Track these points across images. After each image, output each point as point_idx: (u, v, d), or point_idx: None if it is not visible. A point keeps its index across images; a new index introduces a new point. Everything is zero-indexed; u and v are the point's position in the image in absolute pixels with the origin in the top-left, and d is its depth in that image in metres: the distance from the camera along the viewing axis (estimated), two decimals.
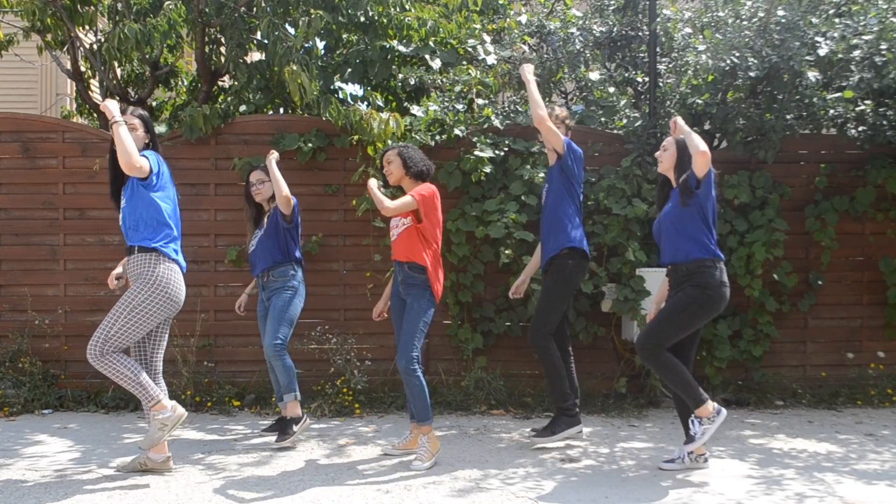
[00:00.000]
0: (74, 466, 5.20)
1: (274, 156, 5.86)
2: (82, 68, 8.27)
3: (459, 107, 7.25)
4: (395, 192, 6.42)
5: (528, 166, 6.88)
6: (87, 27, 7.96)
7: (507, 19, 8.88)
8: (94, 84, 9.31)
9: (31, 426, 6.26)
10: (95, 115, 8.56)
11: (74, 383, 6.97)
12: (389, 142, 6.81)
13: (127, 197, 4.88)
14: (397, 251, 5.39)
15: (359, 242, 7.11)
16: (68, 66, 8.20)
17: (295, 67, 6.54)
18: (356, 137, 6.84)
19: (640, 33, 8.15)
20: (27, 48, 8.77)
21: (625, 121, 7.33)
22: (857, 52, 6.61)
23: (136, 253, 4.84)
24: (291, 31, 7.01)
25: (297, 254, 5.90)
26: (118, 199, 4.99)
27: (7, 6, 7.72)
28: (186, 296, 5.11)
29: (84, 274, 7.07)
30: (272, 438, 5.84)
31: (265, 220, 5.94)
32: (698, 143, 4.93)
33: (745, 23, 6.82)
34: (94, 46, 7.90)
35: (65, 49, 8.15)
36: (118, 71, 8.33)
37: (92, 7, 7.70)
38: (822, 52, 6.51)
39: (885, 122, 6.88)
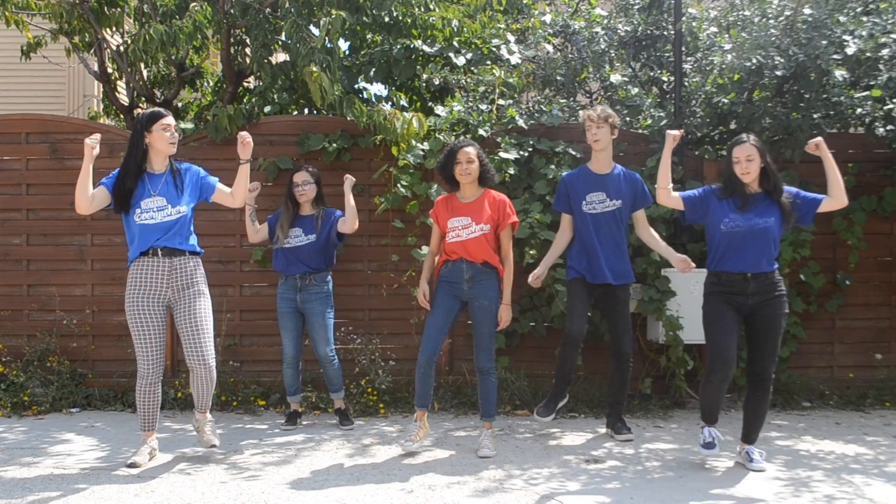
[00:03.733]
0: (101, 464, 5.24)
1: (350, 181, 6.18)
2: (109, 70, 8.34)
3: (483, 107, 7.24)
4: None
5: (553, 166, 6.87)
6: (113, 29, 8.03)
7: (532, 19, 8.87)
8: (121, 85, 9.39)
9: (58, 425, 6.32)
10: (122, 116, 8.63)
11: (101, 382, 7.03)
12: (413, 142, 6.82)
13: (189, 206, 5.27)
14: (468, 252, 5.50)
15: (382, 243, 7.12)
16: (95, 67, 8.27)
17: (315, 68, 6.55)
18: (380, 137, 6.85)
19: (665, 32, 8.11)
20: (55, 50, 8.86)
21: (650, 120, 7.29)
22: (885, 51, 6.53)
23: (187, 255, 5.23)
24: (315, 31, 7.03)
25: (334, 261, 6.39)
26: (126, 201, 5.15)
27: (35, 9, 7.80)
28: (212, 295, 5.46)
29: (111, 274, 7.12)
30: (296, 437, 5.95)
31: (317, 223, 6.20)
32: (843, 192, 5.28)
33: (771, 21, 6.76)
34: (121, 48, 7.96)
35: (92, 51, 8.22)
36: (144, 72, 8.40)
37: (118, 9, 7.77)
38: (850, 50, 6.44)
39: None
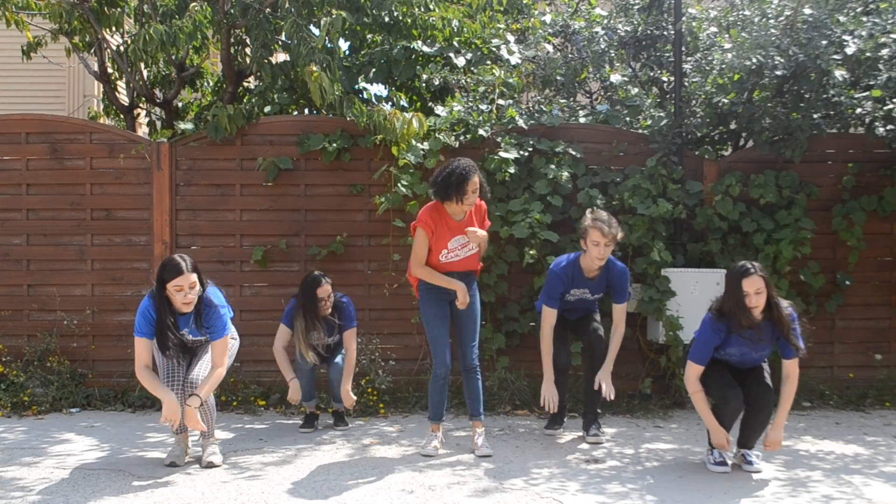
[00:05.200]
0: (101, 464, 5.24)
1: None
2: (109, 70, 8.33)
3: (483, 107, 7.24)
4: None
5: (553, 166, 6.87)
6: (113, 29, 8.02)
7: (532, 19, 8.87)
8: (121, 85, 9.39)
9: (58, 425, 6.32)
10: (122, 116, 8.63)
11: (101, 382, 7.03)
12: (413, 142, 6.82)
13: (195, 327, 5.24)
14: (465, 267, 5.61)
15: (383, 242, 7.12)
16: (95, 67, 8.27)
17: (315, 68, 6.55)
18: (380, 137, 6.85)
19: (665, 32, 8.10)
20: (55, 50, 8.86)
21: (650, 120, 7.29)
22: (885, 51, 6.53)
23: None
24: (316, 31, 7.03)
25: None
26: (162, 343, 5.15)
27: (35, 9, 7.80)
28: None
29: (111, 274, 7.12)
30: (296, 437, 5.94)
31: (336, 322, 6.13)
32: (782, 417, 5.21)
33: (771, 21, 6.76)
34: (121, 48, 7.96)
35: (92, 51, 8.22)
36: (144, 72, 8.39)
37: (119, 9, 7.76)
38: (850, 50, 6.44)
39: None
